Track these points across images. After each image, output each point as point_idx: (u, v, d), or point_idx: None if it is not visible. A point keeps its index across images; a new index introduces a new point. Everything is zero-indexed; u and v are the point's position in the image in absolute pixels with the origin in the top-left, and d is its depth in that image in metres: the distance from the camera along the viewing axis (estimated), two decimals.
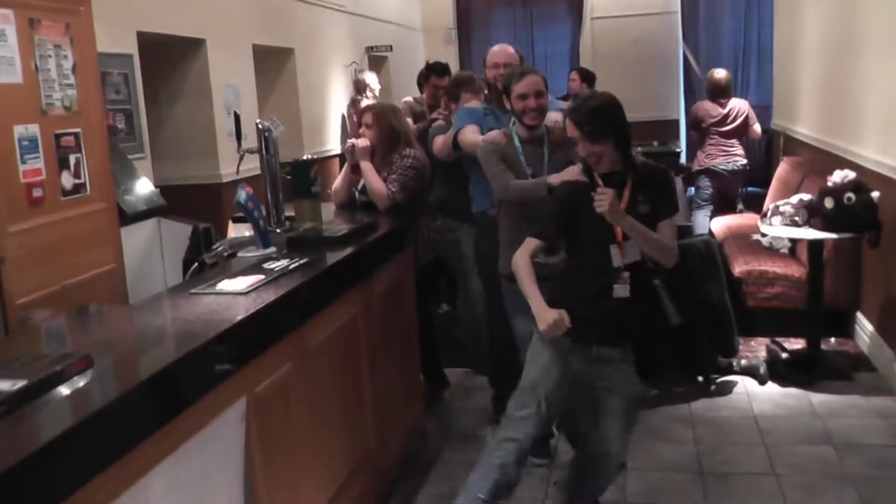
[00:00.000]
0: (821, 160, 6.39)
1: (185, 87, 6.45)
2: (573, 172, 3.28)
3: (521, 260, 3.15)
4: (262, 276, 2.86)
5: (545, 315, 3.00)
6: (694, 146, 9.13)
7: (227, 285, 2.76)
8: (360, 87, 8.84)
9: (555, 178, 3.49)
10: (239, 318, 2.44)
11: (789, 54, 8.37)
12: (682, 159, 10.66)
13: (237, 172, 5.13)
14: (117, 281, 4.47)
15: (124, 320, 2.66)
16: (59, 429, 1.69)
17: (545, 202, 3.38)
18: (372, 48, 10.17)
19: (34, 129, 3.94)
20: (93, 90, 4.39)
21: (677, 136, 11.33)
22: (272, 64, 7.88)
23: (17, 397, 1.80)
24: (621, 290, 3.08)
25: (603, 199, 2.93)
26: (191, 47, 6.34)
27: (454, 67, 11.15)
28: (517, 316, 3.81)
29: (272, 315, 2.60)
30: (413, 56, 11.86)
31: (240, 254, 3.30)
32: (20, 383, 1.83)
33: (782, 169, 7.34)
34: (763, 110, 9.68)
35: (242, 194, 3.27)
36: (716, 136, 8.05)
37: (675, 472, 3.96)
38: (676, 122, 11.81)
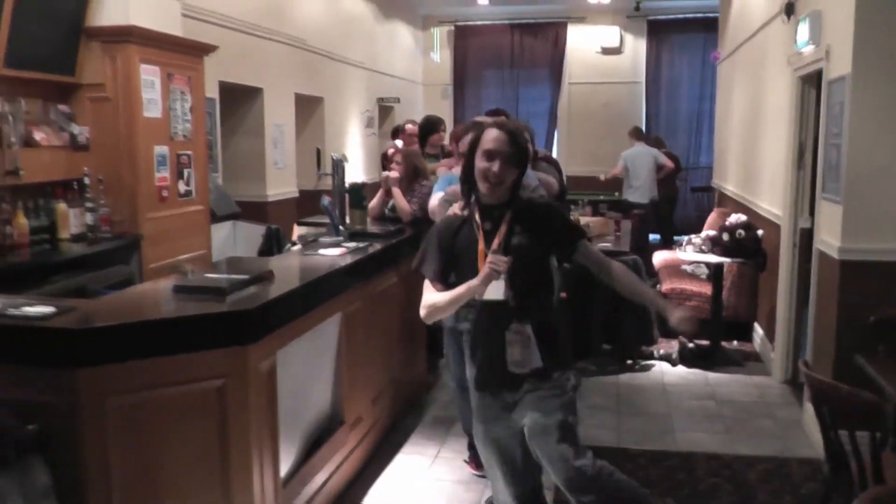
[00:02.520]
0: (739, 210, 8.22)
1: (245, 124, 8.23)
2: (456, 207, 3.29)
3: (428, 299, 3.11)
4: (343, 250, 4.59)
5: (475, 279, 2.96)
6: None
7: (326, 252, 4.50)
8: (396, 132, 10.38)
9: (454, 209, 3.40)
10: (339, 265, 4.18)
11: (723, 125, 10.31)
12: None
13: (316, 187, 6.86)
14: (207, 262, 6.14)
15: (271, 263, 4.30)
16: (270, 296, 3.39)
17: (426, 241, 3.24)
18: (382, 99, 12.00)
19: (165, 149, 5.68)
20: (200, 124, 6.14)
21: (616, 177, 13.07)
22: (307, 109, 9.67)
23: (248, 282, 3.50)
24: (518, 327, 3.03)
25: (500, 264, 2.91)
26: (252, 94, 8.13)
27: (449, 118, 12.96)
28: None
29: (354, 269, 4.33)
30: (414, 106, 13.70)
31: (320, 239, 5.02)
32: (243, 277, 3.53)
33: (711, 217, 9.18)
34: (709, 170, 11.62)
35: (326, 200, 5.02)
36: None
37: (602, 410, 5.69)
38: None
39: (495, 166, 2.96)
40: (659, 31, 13.91)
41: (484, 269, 2.92)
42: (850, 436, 3.17)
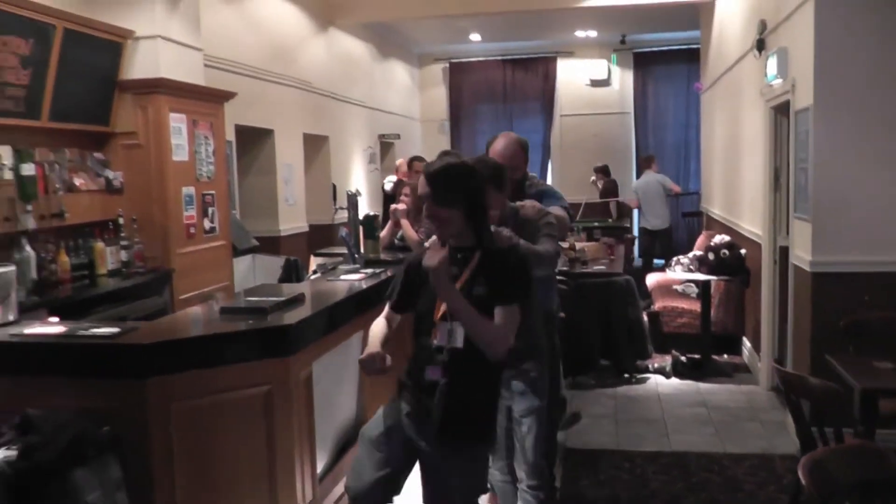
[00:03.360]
0: (725, 231, 8.72)
1: (257, 164, 8.74)
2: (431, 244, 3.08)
3: (376, 325, 3.21)
4: (361, 275, 5.07)
5: (368, 348, 3.13)
6: None
7: (346, 277, 4.98)
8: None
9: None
10: (360, 288, 4.66)
11: (708, 152, 10.85)
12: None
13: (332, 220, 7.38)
14: (230, 293, 6.63)
15: (298, 288, 4.77)
16: (304, 314, 3.86)
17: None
18: (383, 135, 12.53)
19: (192, 190, 6.17)
20: (222, 166, 6.65)
21: (629, 214, 13.65)
22: (314, 147, 10.18)
23: (285, 303, 3.97)
24: (432, 373, 2.93)
25: (433, 255, 2.86)
26: (264, 135, 8.64)
27: None
28: None
29: (371, 291, 4.80)
30: (413, 142, 14.25)
31: (339, 267, 5.50)
32: (281, 299, 4.01)
33: (700, 239, 9.68)
34: (698, 196, 12.17)
35: (343, 232, 5.52)
36: None
37: (602, 418, 6.14)
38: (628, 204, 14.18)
39: (424, 210, 2.94)
40: (645, 63, 14.48)
41: (365, 355, 3.04)
42: (815, 419, 3.64)
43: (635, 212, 13.87)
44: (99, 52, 5.59)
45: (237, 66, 7.81)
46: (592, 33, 13.62)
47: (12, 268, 4.08)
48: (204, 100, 6.31)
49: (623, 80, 14.55)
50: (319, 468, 4.02)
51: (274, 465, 3.58)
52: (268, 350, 3.53)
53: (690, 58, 12.96)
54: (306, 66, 9.73)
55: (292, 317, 3.75)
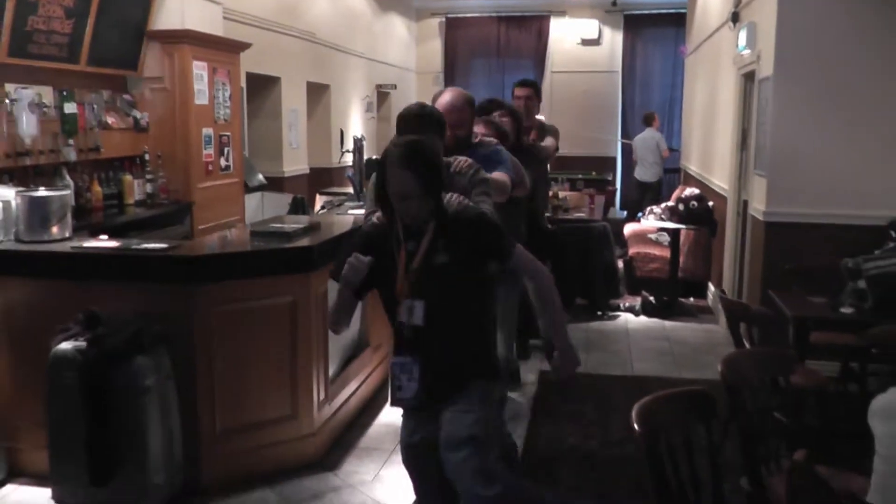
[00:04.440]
0: (699, 186, 9.39)
1: (265, 109, 9.32)
2: (374, 221, 3.16)
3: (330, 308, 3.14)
4: (364, 211, 5.71)
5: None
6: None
7: (352, 211, 5.63)
8: None
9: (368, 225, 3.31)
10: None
11: (688, 113, 11.49)
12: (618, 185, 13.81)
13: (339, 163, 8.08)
14: (243, 225, 7.24)
15: (310, 217, 5.39)
16: (322, 238, 4.49)
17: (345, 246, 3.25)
18: (381, 86, 13.10)
19: (210, 131, 6.78)
20: (237, 110, 7.25)
21: (612, 168, 14.27)
22: (316, 95, 10.75)
23: (305, 230, 4.61)
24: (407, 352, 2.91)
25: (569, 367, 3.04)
26: (272, 82, 9.22)
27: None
28: None
29: None
30: (408, 93, 14.78)
31: (346, 203, 6.15)
32: (302, 225, 4.65)
33: (675, 193, 10.33)
34: (679, 153, 12.85)
35: (350, 172, 6.17)
36: None
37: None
38: (613, 158, 14.80)
39: (410, 208, 2.81)
40: (634, 25, 14.97)
41: (347, 264, 2.87)
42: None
43: (619, 162, 14.64)
44: (132, 4, 6.15)
45: (250, 19, 8.37)
46: None
47: (69, 191, 4.73)
48: (223, 49, 6.89)
49: (613, 40, 15.06)
50: (330, 373, 4.69)
51: (295, 366, 4.26)
52: (292, 267, 4.19)
53: (679, 22, 13.44)
54: (311, 19, 10.28)
55: (312, 240, 4.41)
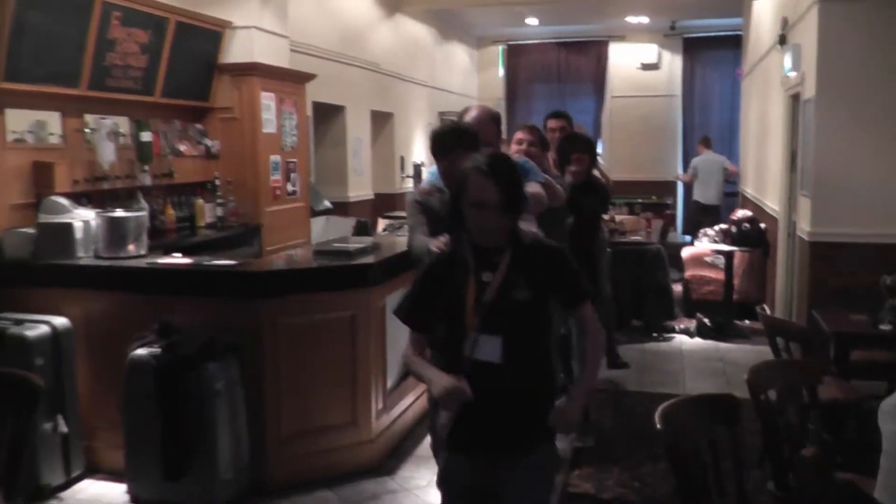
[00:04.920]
0: (754, 209, 9.51)
1: (330, 137, 9.72)
2: (440, 241, 3.03)
3: (408, 354, 2.82)
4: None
5: (439, 380, 2.59)
6: None
7: None
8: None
9: (436, 243, 3.19)
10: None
11: (745, 136, 11.60)
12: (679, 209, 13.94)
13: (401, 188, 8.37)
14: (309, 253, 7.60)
15: (372, 238, 5.69)
16: (381, 257, 4.78)
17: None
18: (443, 113, 13.45)
19: (278, 158, 7.14)
20: (303, 138, 7.61)
21: (672, 192, 14.40)
22: (380, 123, 11.14)
23: (366, 249, 4.90)
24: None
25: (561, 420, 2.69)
26: (337, 111, 9.62)
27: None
28: None
29: None
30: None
31: (406, 225, 6.43)
32: (363, 245, 4.94)
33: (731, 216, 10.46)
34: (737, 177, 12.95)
35: (409, 196, 6.46)
36: None
37: (630, 369, 7.02)
38: (673, 182, 14.89)
39: (487, 220, 2.62)
40: (693, 48, 15.11)
41: (445, 390, 2.55)
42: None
43: (680, 186, 14.69)
44: (203, 40, 6.56)
45: (316, 50, 8.78)
46: (644, 19, 14.28)
47: (144, 213, 5.11)
48: (289, 81, 7.27)
49: (672, 64, 15.23)
50: (389, 384, 4.97)
51: (355, 376, 4.56)
52: (353, 283, 4.50)
53: (736, 44, 13.48)
54: (375, 49, 10.68)
55: (372, 258, 4.71)
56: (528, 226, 2.97)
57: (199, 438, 4.07)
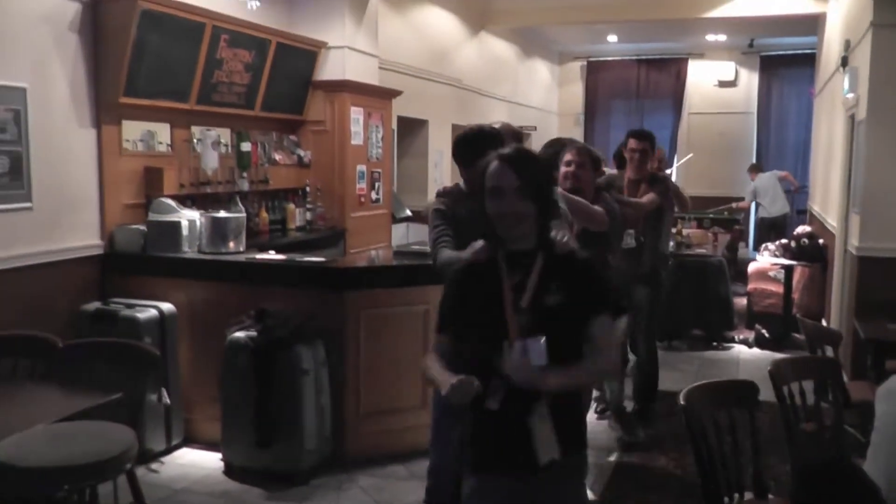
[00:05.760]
0: (819, 226, 9.79)
1: (413, 149, 10.34)
2: (478, 249, 2.75)
3: (432, 362, 2.65)
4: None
5: (447, 379, 2.46)
6: None
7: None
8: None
9: (473, 253, 2.83)
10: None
11: (815, 153, 11.87)
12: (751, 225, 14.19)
13: None
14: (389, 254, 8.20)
15: None
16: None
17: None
18: (522, 127, 13.94)
19: (363, 167, 7.75)
20: (388, 149, 8.22)
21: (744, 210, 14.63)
22: None
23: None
24: (492, 402, 2.50)
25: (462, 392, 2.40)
26: (420, 125, 10.24)
27: None
28: None
29: None
30: (549, 133, 15.57)
31: None
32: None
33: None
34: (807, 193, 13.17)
35: None
36: None
37: (684, 374, 7.43)
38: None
39: (506, 205, 2.53)
40: (770, 66, 15.32)
41: (451, 385, 2.41)
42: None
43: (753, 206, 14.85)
44: (300, 59, 7.22)
45: (403, 67, 9.41)
46: (722, 37, 14.56)
47: (243, 214, 5.76)
48: (377, 96, 7.89)
49: (749, 81, 15.48)
50: None
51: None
52: (428, 280, 5.00)
53: (812, 62, 13.64)
54: (459, 66, 11.28)
55: None
56: (564, 233, 2.79)
57: (287, 412, 4.68)
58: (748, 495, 3.44)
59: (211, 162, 6.25)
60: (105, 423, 3.40)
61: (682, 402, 3.28)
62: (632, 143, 6.02)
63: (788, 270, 8.46)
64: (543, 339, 2.49)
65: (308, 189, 7.40)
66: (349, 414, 4.99)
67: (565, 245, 2.69)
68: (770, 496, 3.50)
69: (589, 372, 2.67)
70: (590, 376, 2.79)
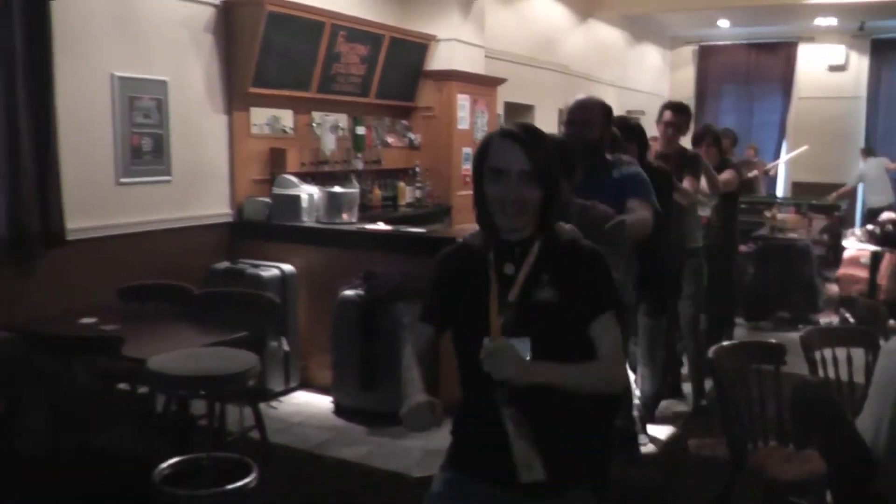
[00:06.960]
0: None
1: None
2: (472, 233, 2.49)
3: (406, 359, 2.42)
4: None
5: (410, 396, 2.18)
6: None
7: None
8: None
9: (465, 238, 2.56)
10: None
11: None
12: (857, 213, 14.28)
13: None
14: None
15: None
16: None
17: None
18: (630, 111, 14.34)
19: (469, 150, 8.39)
20: None
21: (852, 195, 14.46)
22: None
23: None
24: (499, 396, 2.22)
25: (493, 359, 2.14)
26: (526, 110, 10.87)
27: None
28: None
29: None
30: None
31: None
32: None
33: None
34: None
35: None
36: None
37: None
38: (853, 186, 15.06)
39: (509, 191, 2.22)
40: (881, 50, 15.19)
41: (407, 409, 2.15)
42: None
43: (859, 190, 14.85)
44: (412, 51, 7.95)
45: (510, 56, 10.05)
46: (832, 20, 14.44)
47: (356, 191, 6.55)
48: (482, 84, 8.58)
49: (859, 66, 15.39)
50: None
51: None
52: None
53: None
54: (566, 53, 11.84)
55: None
56: (574, 228, 2.49)
57: (389, 359, 5.44)
58: (773, 443, 3.95)
59: (329, 143, 7.05)
60: (233, 349, 4.22)
61: (713, 361, 3.81)
62: (667, 115, 5.77)
63: (875, 256, 8.77)
64: (528, 341, 2.23)
65: (417, 169, 8.13)
66: (443, 362, 5.70)
67: (570, 231, 2.42)
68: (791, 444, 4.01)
69: (583, 374, 2.26)
70: (582, 379, 2.25)
